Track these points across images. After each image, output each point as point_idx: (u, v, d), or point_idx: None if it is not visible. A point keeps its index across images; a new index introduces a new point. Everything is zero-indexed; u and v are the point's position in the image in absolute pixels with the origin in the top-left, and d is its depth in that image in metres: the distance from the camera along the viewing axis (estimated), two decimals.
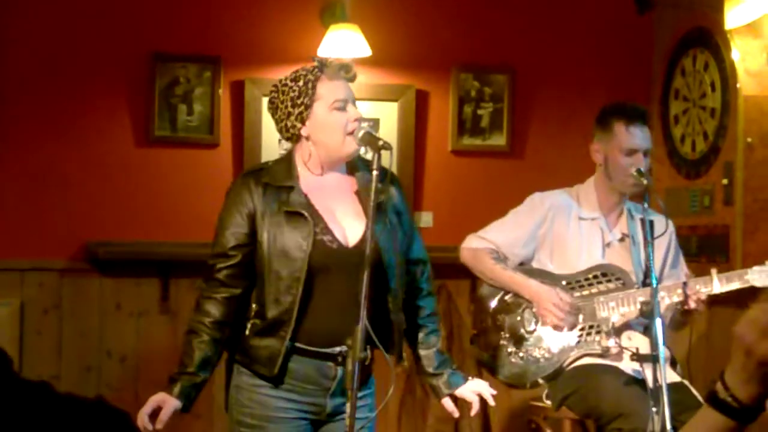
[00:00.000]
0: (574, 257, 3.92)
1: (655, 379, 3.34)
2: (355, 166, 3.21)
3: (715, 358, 4.84)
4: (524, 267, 3.99)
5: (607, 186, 3.95)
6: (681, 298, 3.72)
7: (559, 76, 5.46)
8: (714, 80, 4.92)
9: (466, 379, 3.28)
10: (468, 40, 5.39)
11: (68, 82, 4.98)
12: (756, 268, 3.73)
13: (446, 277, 4.48)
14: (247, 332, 3.14)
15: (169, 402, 3.02)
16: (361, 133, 3.11)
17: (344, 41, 4.96)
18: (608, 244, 3.95)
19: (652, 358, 3.37)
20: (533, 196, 4.04)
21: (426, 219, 5.29)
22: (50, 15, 4.96)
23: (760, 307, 1.49)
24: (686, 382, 3.78)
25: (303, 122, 3.13)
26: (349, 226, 3.13)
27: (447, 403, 3.27)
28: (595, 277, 3.88)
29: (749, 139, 4.69)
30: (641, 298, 3.77)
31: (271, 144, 5.05)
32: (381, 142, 3.01)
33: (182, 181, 5.08)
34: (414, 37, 5.32)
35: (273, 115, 3.20)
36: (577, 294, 3.89)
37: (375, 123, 5.19)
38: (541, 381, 3.94)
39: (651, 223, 3.68)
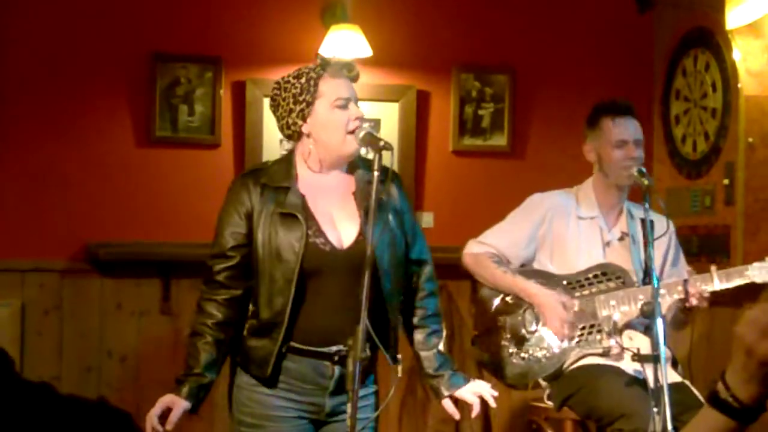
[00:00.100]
0: (573, 257, 3.93)
1: (656, 380, 3.34)
2: (355, 165, 3.21)
3: (715, 358, 4.83)
4: (525, 268, 3.99)
5: (605, 184, 3.96)
6: (682, 296, 3.72)
7: (559, 76, 5.46)
8: (715, 80, 4.92)
9: (467, 381, 3.26)
10: (469, 41, 5.39)
11: (69, 82, 4.98)
12: (756, 264, 3.74)
13: (447, 277, 4.48)
14: (245, 332, 3.15)
15: (178, 403, 3.03)
16: (362, 134, 3.11)
17: (345, 41, 4.96)
18: (608, 243, 3.95)
19: (653, 359, 3.37)
20: (532, 197, 4.05)
21: (427, 219, 5.29)
22: (50, 15, 4.96)
23: (760, 307, 1.49)
24: (687, 383, 3.78)
25: (304, 119, 3.12)
26: (343, 228, 3.12)
27: (447, 404, 3.25)
28: (596, 276, 3.89)
29: (750, 139, 4.69)
30: (641, 297, 3.77)
31: (272, 144, 5.05)
32: (382, 143, 3.01)
33: (183, 182, 5.08)
34: (415, 38, 5.32)
35: (274, 113, 3.19)
36: (577, 294, 3.89)
37: (376, 123, 5.19)
38: (542, 382, 3.94)
39: (651, 223, 3.68)
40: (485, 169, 5.41)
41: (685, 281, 3.73)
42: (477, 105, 5.39)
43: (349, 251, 3.08)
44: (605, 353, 3.78)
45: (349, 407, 2.85)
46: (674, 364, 3.84)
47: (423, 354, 3.28)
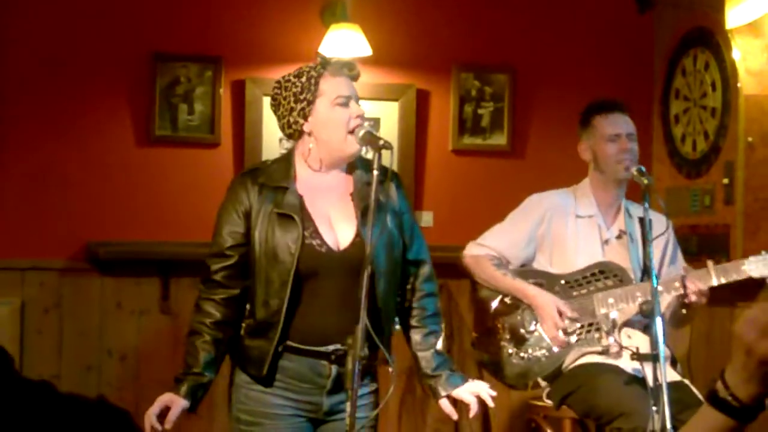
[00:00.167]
0: (572, 256, 3.93)
1: (655, 378, 3.34)
2: (354, 166, 3.20)
3: (715, 356, 4.84)
4: (525, 268, 3.99)
5: (602, 181, 3.98)
6: (680, 293, 3.72)
7: (559, 76, 5.46)
8: (715, 80, 4.92)
9: (464, 381, 3.23)
10: (468, 40, 5.39)
11: (69, 81, 4.98)
12: (752, 258, 3.75)
13: (447, 276, 4.48)
14: (242, 332, 3.15)
15: (177, 402, 3.03)
16: (361, 133, 3.11)
17: (345, 41, 4.96)
18: (606, 242, 3.96)
19: (652, 357, 3.37)
20: (530, 197, 4.06)
21: (426, 218, 5.29)
22: (50, 15, 4.96)
23: (759, 306, 1.49)
24: (686, 381, 3.78)
25: (305, 118, 3.12)
26: (340, 230, 3.12)
27: (444, 404, 3.23)
28: (593, 275, 3.89)
29: (750, 139, 4.69)
30: (639, 294, 3.78)
31: (271, 143, 5.05)
32: (381, 142, 3.01)
33: (183, 181, 5.08)
34: (414, 37, 5.32)
35: (275, 112, 3.19)
36: (575, 293, 3.89)
37: (376, 122, 5.18)
38: (541, 381, 3.94)
39: (650, 222, 3.69)
40: (485, 169, 5.41)
41: (683, 277, 3.73)
42: (477, 104, 5.38)
43: (345, 253, 3.08)
44: (604, 351, 3.79)
45: (348, 406, 2.85)
46: (673, 363, 3.85)
47: (420, 354, 3.26)
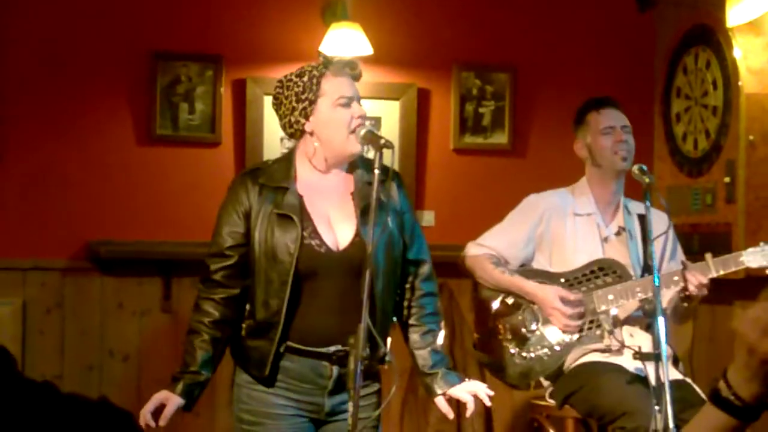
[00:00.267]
0: (572, 255, 3.93)
1: (658, 377, 3.34)
2: (355, 165, 3.21)
3: (717, 355, 4.84)
4: (524, 268, 3.99)
5: (599, 176, 3.99)
6: (679, 286, 3.73)
7: (560, 75, 5.46)
8: (716, 78, 4.92)
9: (461, 379, 3.23)
10: (469, 39, 5.39)
11: (69, 81, 4.98)
12: (750, 249, 3.76)
13: (448, 276, 4.48)
14: (243, 332, 3.15)
15: (172, 399, 3.04)
16: (362, 132, 3.11)
17: (346, 40, 4.96)
18: (605, 239, 3.97)
19: (655, 356, 3.37)
20: (528, 198, 4.07)
21: (428, 218, 5.29)
22: (50, 14, 4.95)
23: (762, 305, 1.49)
24: (689, 380, 3.78)
25: (307, 118, 3.13)
26: (340, 230, 3.12)
27: (440, 402, 3.22)
28: (593, 272, 3.90)
29: (751, 137, 4.68)
30: (639, 290, 3.79)
31: (272, 143, 5.05)
32: (382, 141, 3.01)
33: (184, 180, 5.08)
34: (415, 36, 5.32)
35: (277, 111, 3.20)
36: (575, 291, 3.89)
37: (377, 121, 5.18)
38: (544, 381, 3.94)
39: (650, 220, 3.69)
40: (486, 168, 5.40)
41: (682, 270, 3.73)
42: (478, 103, 5.38)
43: (344, 253, 3.09)
44: (606, 349, 3.79)
45: (350, 406, 2.85)
46: (675, 362, 3.85)
47: (418, 352, 3.26)
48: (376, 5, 5.22)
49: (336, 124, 3.12)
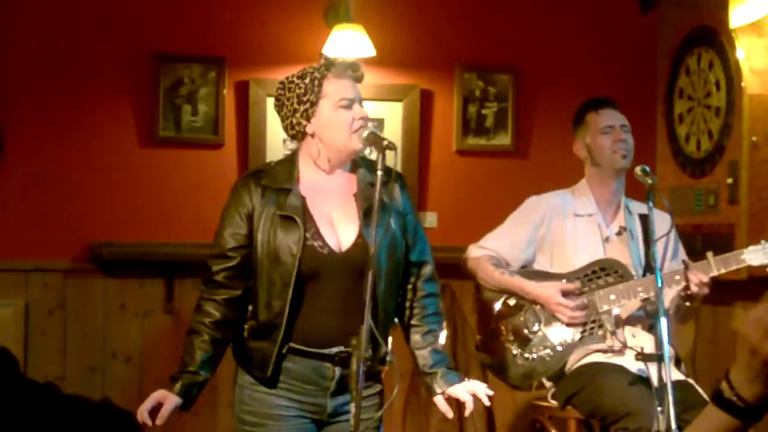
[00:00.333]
0: (573, 255, 3.94)
1: (660, 378, 3.34)
2: (357, 166, 3.21)
3: (719, 356, 4.83)
4: (525, 270, 4.00)
5: (599, 176, 3.99)
6: (680, 285, 3.72)
7: (563, 76, 5.46)
8: (719, 79, 4.92)
9: (461, 379, 3.24)
10: (472, 40, 5.39)
11: (71, 82, 4.98)
12: (751, 247, 3.76)
13: (450, 277, 4.48)
14: (245, 333, 3.15)
15: (169, 398, 3.04)
16: (365, 134, 3.11)
17: (348, 41, 4.96)
18: (607, 239, 3.97)
19: (657, 357, 3.37)
20: (529, 199, 4.08)
21: (430, 219, 5.29)
22: (52, 15, 4.96)
23: (764, 306, 1.49)
24: (691, 381, 3.78)
25: (308, 119, 3.13)
26: (342, 231, 3.12)
27: (439, 401, 3.22)
28: (594, 272, 3.90)
29: (754, 138, 4.68)
30: (640, 289, 3.79)
31: (275, 144, 5.05)
32: (385, 142, 3.01)
33: (187, 182, 5.08)
34: (418, 37, 5.32)
35: (279, 113, 3.20)
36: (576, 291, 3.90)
37: (379, 123, 5.19)
38: (546, 381, 3.94)
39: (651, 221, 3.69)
40: (489, 169, 5.40)
41: (684, 268, 3.73)
42: (480, 104, 5.39)
43: (347, 254, 3.09)
44: (609, 349, 3.79)
45: (352, 407, 2.85)
46: (677, 363, 3.85)
47: (419, 352, 3.26)
48: (378, 7, 5.22)
49: (337, 125, 3.12)
